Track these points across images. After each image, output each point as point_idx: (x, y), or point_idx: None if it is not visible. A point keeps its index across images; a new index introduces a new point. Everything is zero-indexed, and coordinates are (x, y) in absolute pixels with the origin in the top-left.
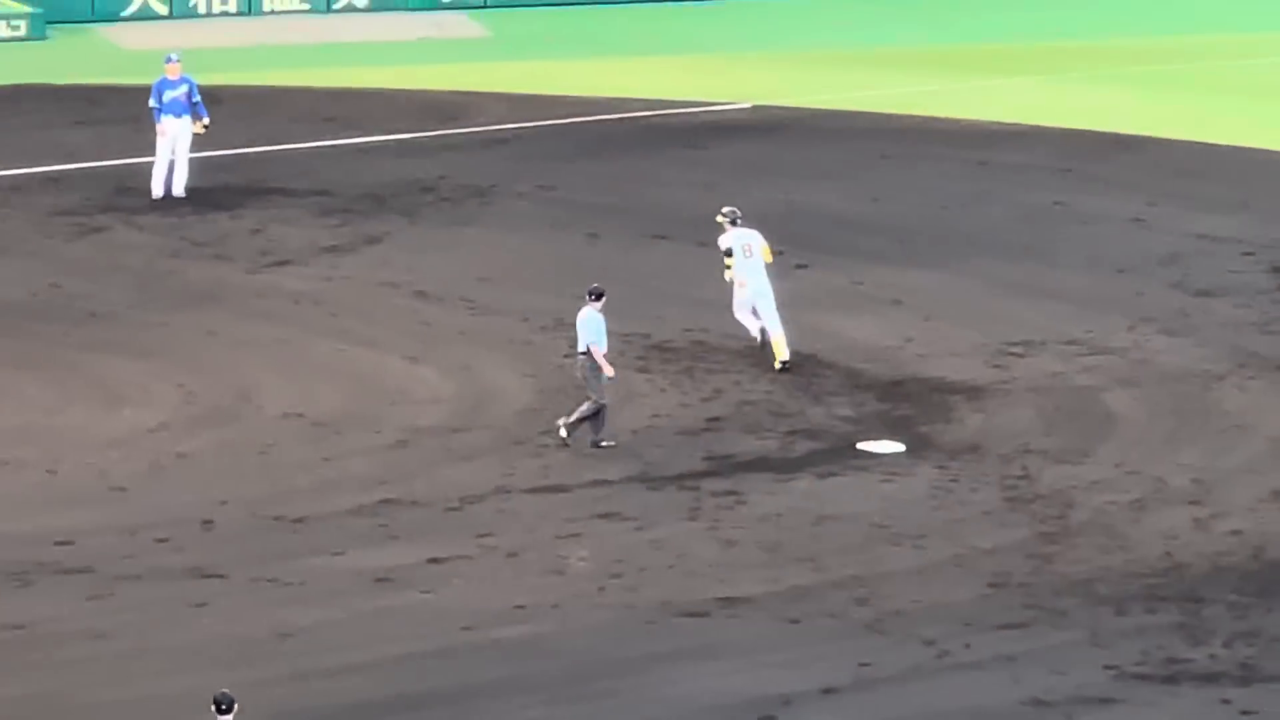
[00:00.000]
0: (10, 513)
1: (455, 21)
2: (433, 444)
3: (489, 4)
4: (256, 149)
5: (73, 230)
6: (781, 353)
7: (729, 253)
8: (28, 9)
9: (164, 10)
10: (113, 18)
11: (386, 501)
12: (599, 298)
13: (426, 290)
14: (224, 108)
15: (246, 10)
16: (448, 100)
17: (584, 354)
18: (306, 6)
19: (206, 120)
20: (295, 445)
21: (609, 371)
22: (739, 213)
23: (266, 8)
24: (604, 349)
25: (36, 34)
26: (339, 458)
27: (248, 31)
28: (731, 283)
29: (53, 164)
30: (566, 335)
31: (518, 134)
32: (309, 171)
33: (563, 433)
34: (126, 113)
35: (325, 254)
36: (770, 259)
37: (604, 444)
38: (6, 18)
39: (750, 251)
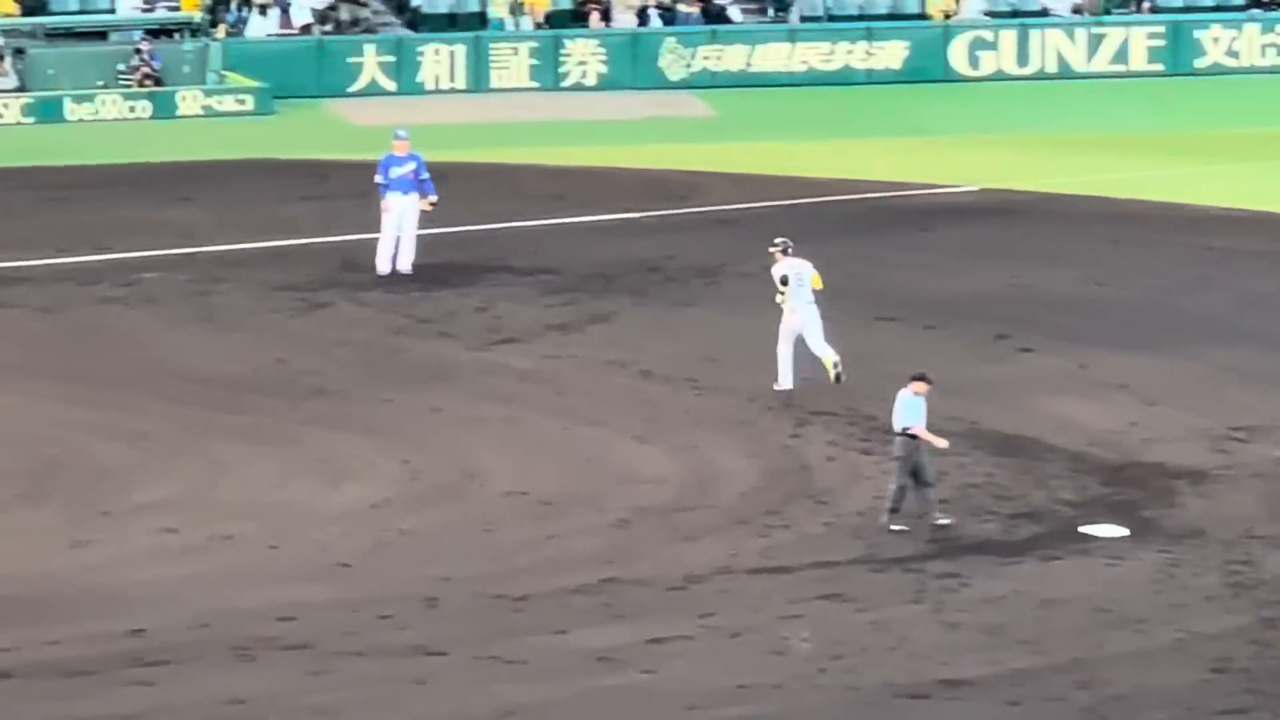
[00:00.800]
0: (233, 587)
1: (683, 101)
2: (656, 523)
3: (717, 84)
4: (484, 226)
5: (298, 306)
6: (831, 367)
7: (784, 280)
8: (256, 84)
9: (392, 86)
10: (340, 93)
11: (609, 580)
12: (919, 380)
13: (652, 370)
14: (452, 184)
15: (475, 87)
16: (675, 180)
17: (899, 434)
18: (535, 84)
19: (433, 198)
20: (519, 523)
21: (940, 443)
22: (790, 243)
23: (495, 85)
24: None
25: (264, 109)
26: (562, 536)
27: (476, 108)
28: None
29: (279, 239)
30: (792, 415)
31: (744, 214)
32: (536, 249)
33: (892, 526)
34: (353, 188)
35: (551, 332)
36: (820, 286)
37: (893, 528)
38: (235, 92)
39: (801, 280)
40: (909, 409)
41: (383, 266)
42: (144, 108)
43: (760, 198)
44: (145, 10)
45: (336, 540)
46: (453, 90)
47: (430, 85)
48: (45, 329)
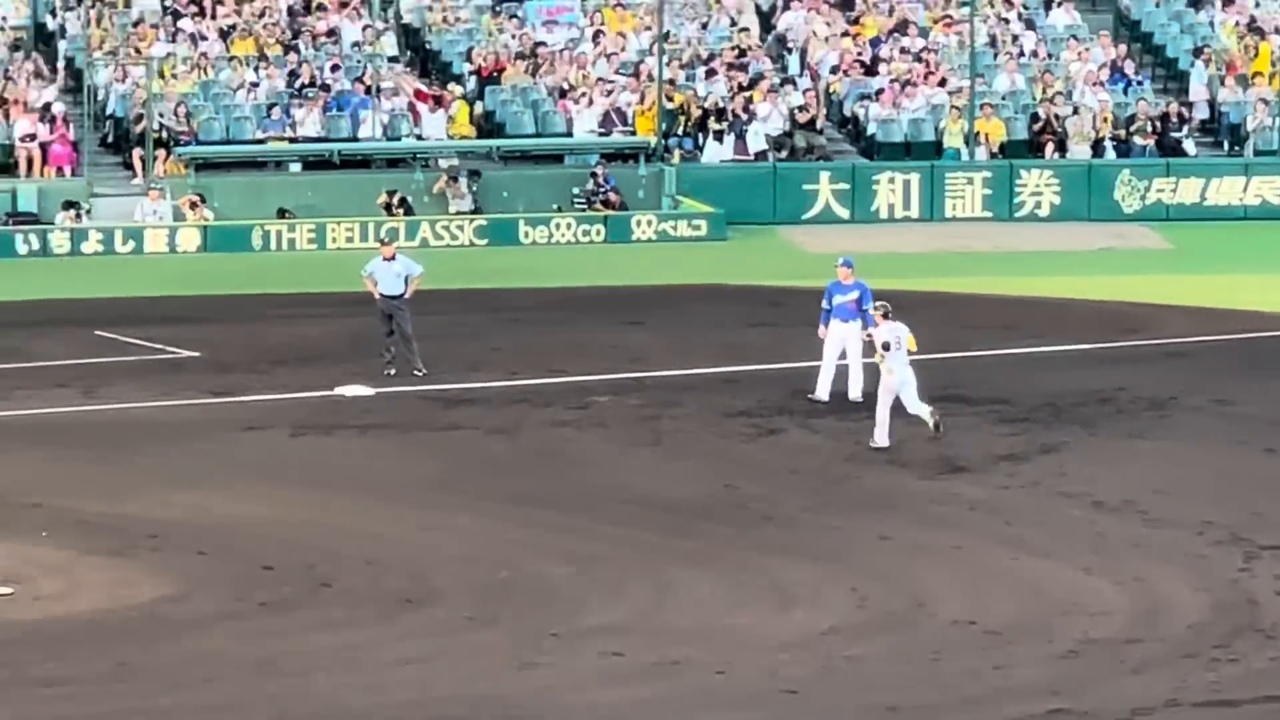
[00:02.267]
0: (680, 712)
1: (1137, 233)
2: (1104, 655)
3: (1171, 217)
4: (936, 355)
5: (749, 432)
6: (930, 418)
7: (886, 346)
8: (711, 209)
9: (845, 214)
10: (794, 220)
11: (1056, 711)
12: None
13: (1103, 501)
14: (905, 313)
15: (929, 216)
16: (1128, 312)
17: None
18: (989, 214)
19: (871, 329)
20: (966, 652)
21: None
22: (889, 306)
23: (949, 214)
24: None
25: (718, 235)
26: (1009, 666)
27: (929, 237)
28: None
29: (730, 364)
30: (1241, 549)
31: (1197, 348)
32: (987, 379)
33: None
34: (804, 315)
35: (1002, 462)
36: (915, 348)
37: None
38: (689, 218)
39: (899, 344)
40: None
41: (822, 393)
42: (598, 231)
43: (1213, 331)
44: (601, 134)
45: (784, 666)
46: (907, 219)
47: (884, 213)
48: (498, 450)
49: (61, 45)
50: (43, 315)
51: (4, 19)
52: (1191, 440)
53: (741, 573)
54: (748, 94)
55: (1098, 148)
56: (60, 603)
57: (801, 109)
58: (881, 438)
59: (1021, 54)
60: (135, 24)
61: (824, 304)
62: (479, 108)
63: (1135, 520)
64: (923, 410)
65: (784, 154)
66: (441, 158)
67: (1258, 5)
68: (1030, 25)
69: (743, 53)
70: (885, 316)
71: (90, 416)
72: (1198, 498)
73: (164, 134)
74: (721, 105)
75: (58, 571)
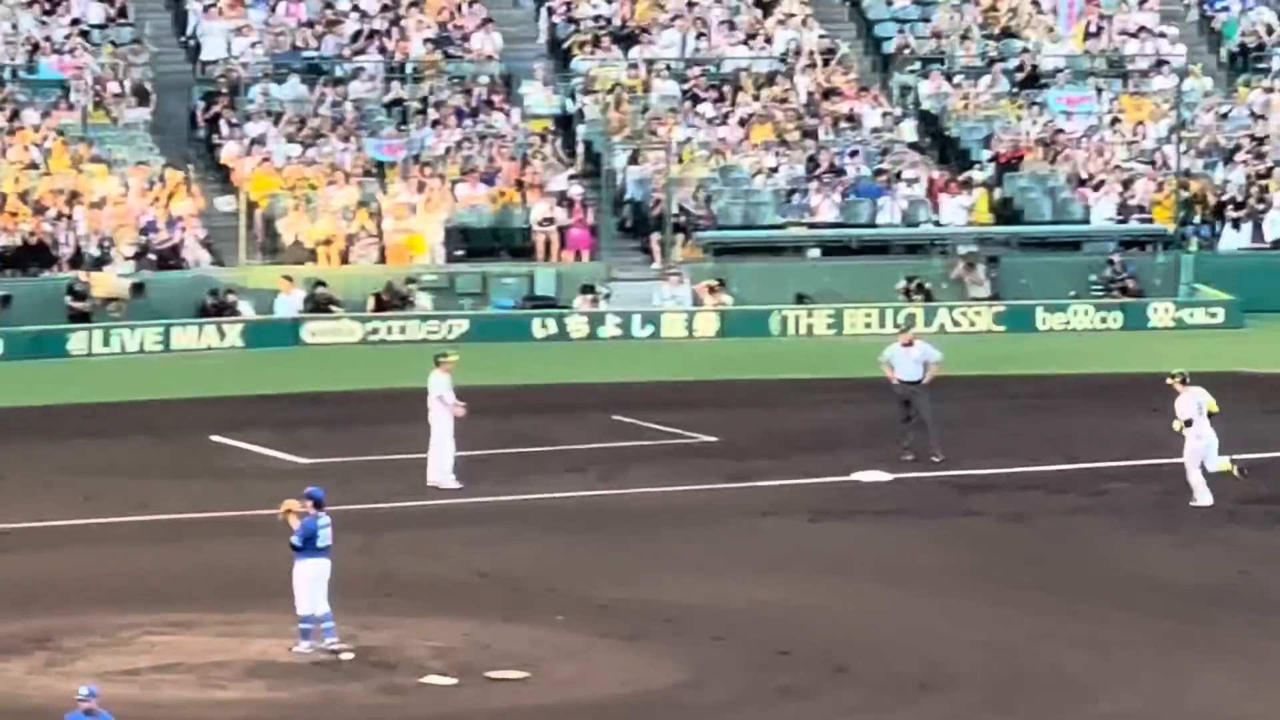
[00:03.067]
0: None
1: None
2: None
3: None
4: None
5: (1265, 518)
6: (1232, 468)
7: (1189, 422)
8: (1227, 297)
9: None
10: None
11: None
12: None
13: None
14: None
15: None
16: None
17: None
18: None
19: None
20: None
21: None
22: (1187, 374)
23: None
24: None
25: (1235, 322)
26: None
27: None
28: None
29: (1247, 451)
30: None
31: None
32: None
33: None
34: None
35: None
36: (1216, 409)
37: None
38: (1206, 305)
39: (1202, 408)
40: None
41: None
42: (1115, 319)
43: None
44: (1119, 221)
45: None
46: None
47: None
48: (1012, 537)
49: (580, 130)
50: (560, 399)
51: (536, 115)
52: None
53: (1256, 661)
54: (1265, 182)
55: None
56: (575, 688)
57: None
58: (1205, 498)
59: None
60: (653, 111)
61: None
62: (997, 194)
63: None
64: (1223, 464)
65: None
66: (960, 244)
67: None
68: None
69: (1261, 141)
70: (1184, 383)
71: (607, 501)
72: None
73: (682, 218)
74: (1239, 194)
75: (573, 656)
